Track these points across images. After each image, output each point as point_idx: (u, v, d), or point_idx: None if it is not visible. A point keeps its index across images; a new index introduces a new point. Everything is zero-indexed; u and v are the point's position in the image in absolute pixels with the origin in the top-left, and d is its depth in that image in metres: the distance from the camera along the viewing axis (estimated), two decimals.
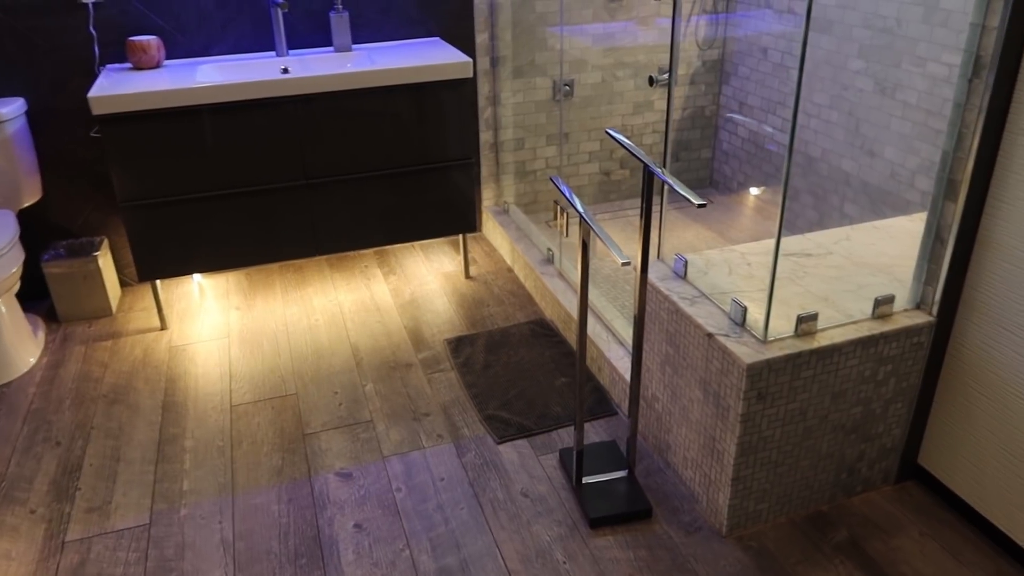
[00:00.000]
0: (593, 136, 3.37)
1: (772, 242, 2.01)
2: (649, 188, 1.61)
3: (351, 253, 3.22)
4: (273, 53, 2.75)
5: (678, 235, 3.23)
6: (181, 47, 2.69)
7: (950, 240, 1.67)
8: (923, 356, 1.77)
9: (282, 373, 2.45)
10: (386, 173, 2.65)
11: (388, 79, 2.50)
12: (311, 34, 2.81)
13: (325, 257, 3.19)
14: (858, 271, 1.91)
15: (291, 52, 2.77)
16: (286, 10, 2.64)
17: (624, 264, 1.53)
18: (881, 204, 2.69)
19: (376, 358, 2.52)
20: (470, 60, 2.56)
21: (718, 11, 3.30)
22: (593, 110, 3.32)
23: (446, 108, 2.61)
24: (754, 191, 3.42)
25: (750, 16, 3.22)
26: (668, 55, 3.36)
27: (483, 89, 3.09)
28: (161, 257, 2.56)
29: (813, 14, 2.81)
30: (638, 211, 3.57)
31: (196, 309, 2.84)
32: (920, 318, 1.74)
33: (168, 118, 2.38)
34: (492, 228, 3.25)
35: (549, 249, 2.84)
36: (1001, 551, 1.72)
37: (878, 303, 1.73)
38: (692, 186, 3.64)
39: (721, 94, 3.47)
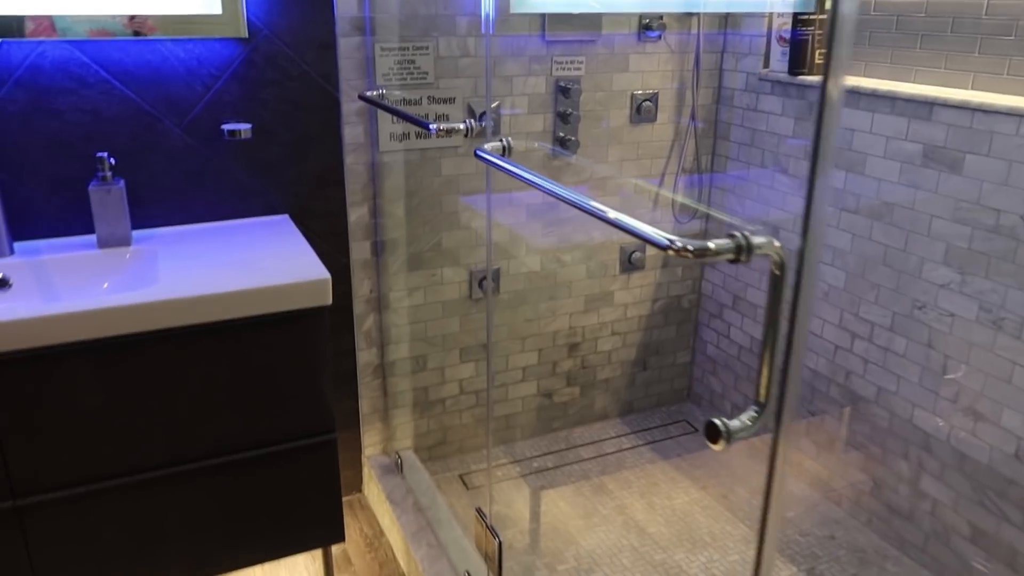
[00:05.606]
0: (528, 346, 2.31)
1: None
2: None
3: None
4: None
5: (664, 499, 2.15)
6: None
7: None
8: None
9: None
10: (197, 468, 1.48)
11: (168, 317, 1.37)
12: (70, 215, 1.67)
13: None
14: None
15: (20, 244, 1.61)
16: None
17: None
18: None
19: None
20: (327, 277, 1.48)
21: (701, 170, 2.36)
22: (529, 309, 2.27)
23: (285, 356, 1.49)
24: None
25: (741, 178, 2.29)
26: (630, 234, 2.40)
27: (361, 289, 2.01)
28: None
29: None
30: (588, 447, 2.48)
31: None
32: None
33: None
34: (376, 495, 2.10)
35: (468, 573, 1.69)
36: None
37: None
38: (665, 401, 2.60)
39: (704, 279, 2.50)
